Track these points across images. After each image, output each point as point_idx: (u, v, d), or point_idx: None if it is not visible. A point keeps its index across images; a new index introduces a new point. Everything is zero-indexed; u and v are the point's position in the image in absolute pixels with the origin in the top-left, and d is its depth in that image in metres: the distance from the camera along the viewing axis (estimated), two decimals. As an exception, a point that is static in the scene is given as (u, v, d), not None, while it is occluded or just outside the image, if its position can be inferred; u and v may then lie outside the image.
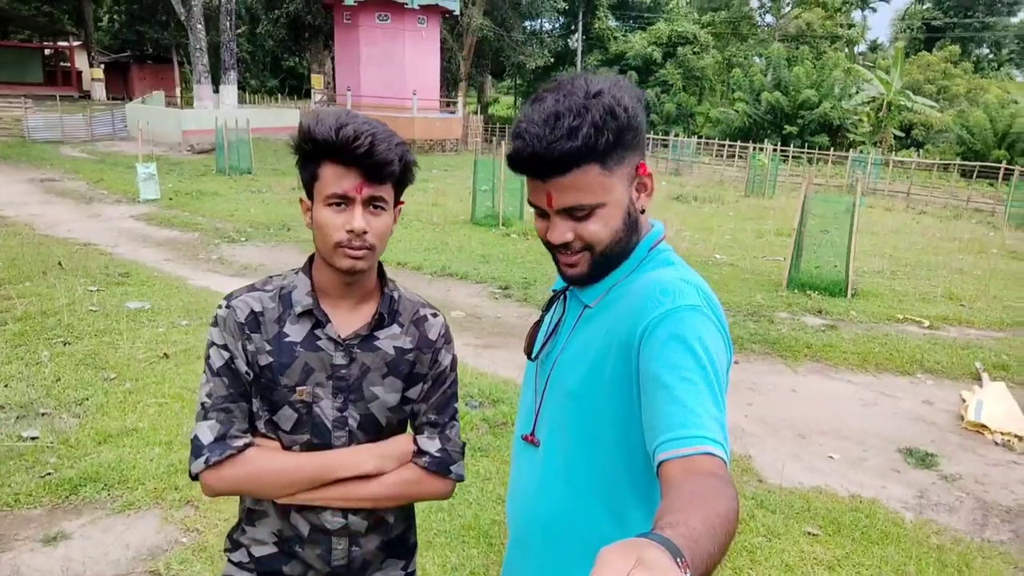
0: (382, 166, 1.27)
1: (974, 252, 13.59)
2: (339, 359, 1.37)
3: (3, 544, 3.24)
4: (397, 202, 1.38)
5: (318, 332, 1.37)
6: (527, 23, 42.21)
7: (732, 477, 0.94)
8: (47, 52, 41.42)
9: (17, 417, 4.44)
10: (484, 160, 13.79)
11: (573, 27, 45.73)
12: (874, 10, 65.20)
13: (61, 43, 41.60)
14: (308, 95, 37.14)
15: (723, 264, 10.81)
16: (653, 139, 33.01)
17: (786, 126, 34.88)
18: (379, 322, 1.40)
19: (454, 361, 1.50)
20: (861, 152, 29.92)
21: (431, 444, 1.43)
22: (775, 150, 26.53)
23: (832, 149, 30.59)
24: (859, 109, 35.40)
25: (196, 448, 1.32)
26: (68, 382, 5.00)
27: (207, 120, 22.91)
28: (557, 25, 48.78)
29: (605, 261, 1.21)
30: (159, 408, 4.67)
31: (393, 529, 1.48)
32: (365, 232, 1.28)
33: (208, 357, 1.36)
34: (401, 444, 1.43)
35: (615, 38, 42.34)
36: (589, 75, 1.17)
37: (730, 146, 30.64)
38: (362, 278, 1.38)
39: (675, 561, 0.67)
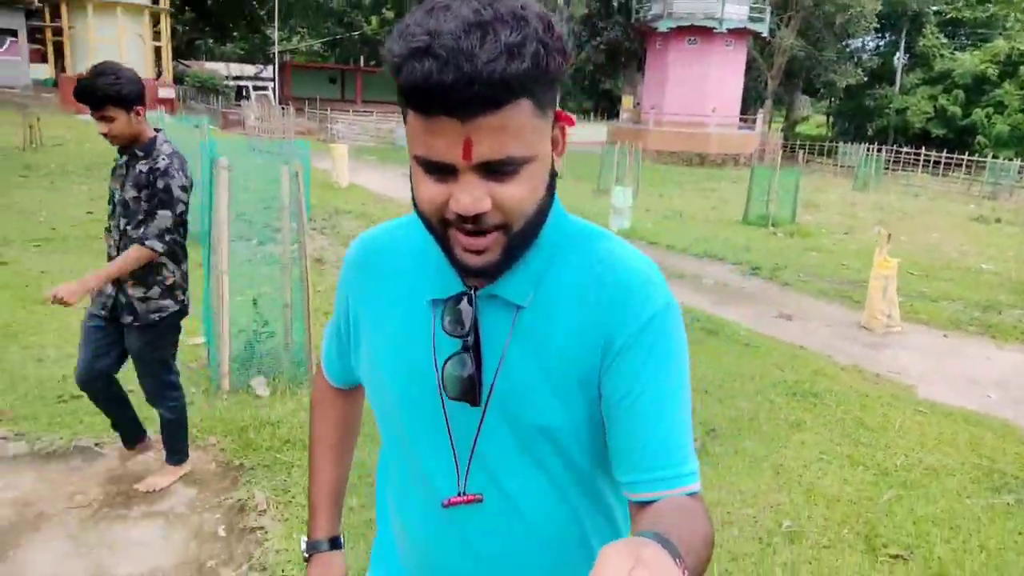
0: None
1: None
2: None
3: None
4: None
5: None
6: (846, 42, 41.02)
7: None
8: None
9: None
10: (762, 169, 15.06)
11: (896, 44, 43.20)
12: None
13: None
14: (617, 115, 40.51)
15: (988, 272, 11.03)
16: (978, 161, 29.90)
17: None
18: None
19: None
20: None
21: None
22: None
23: None
24: None
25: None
26: None
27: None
28: (880, 43, 46.32)
29: (520, 243, 0.86)
30: None
31: None
32: None
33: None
34: None
35: (942, 56, 39.21)
36: None
37: (1074, 173, 26.89)
38: None
39: (675, 561, 0.63)
